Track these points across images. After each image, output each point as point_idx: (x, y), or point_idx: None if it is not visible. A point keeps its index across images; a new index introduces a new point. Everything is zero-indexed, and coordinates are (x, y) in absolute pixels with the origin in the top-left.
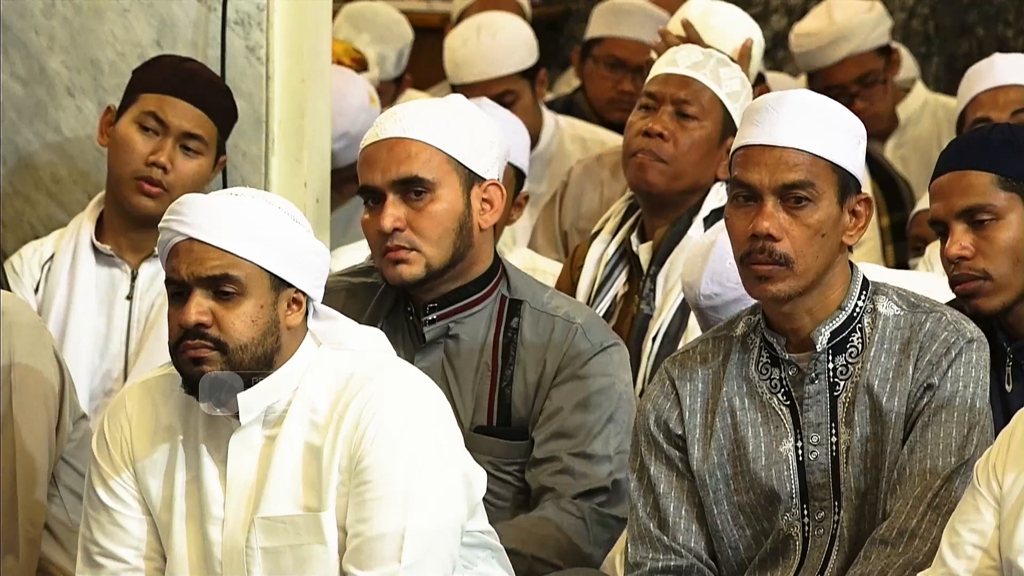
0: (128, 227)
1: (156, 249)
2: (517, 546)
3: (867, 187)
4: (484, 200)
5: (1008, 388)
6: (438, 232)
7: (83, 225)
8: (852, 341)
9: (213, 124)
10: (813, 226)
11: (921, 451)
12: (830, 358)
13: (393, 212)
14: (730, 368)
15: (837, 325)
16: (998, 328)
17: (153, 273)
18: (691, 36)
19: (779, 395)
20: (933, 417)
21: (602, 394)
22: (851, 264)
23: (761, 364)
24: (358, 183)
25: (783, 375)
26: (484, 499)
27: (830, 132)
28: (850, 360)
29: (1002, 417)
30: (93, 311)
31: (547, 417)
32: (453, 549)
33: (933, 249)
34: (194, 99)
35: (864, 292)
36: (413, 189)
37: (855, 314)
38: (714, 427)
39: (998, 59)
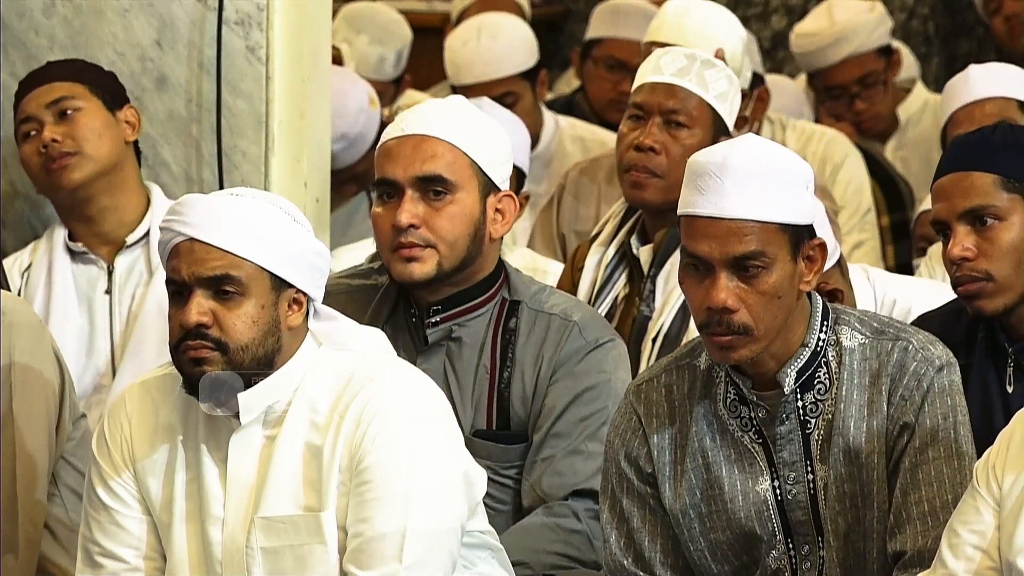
0: (85, 220)
1: (127, 240)
2: (525, 558)
3: (867, 181)
4: (498, 210)
5: (1009, 389)
6: (455, 234)
7: (56, 230)
8: (819, 376)
9: (75, 83)
10: (769, 292)
11: (915, 493)
12: (798, 396)
13: (411, 208)
14: (697, 406)
15: (802, 363)
16: (999, 329)
17: (129, 265)
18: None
19: (750, 433)
20: (920, 456)
21: (598, 391)
22: (809, 296)
23: (729, 401)
24: (358, 184)
25: (752, 414)
26: (484, 503)
27: (776, 193)
28: (819, 397)
29: (1003, 419)
30: (74, 310)
31: (544, 416)
32: (453, 549)
33: (935, 250)
34: (42, 81)
35: (825, 323)
36: (434, 188)
37: (819, 349)
38: (684, 465)
39: (972, 72)
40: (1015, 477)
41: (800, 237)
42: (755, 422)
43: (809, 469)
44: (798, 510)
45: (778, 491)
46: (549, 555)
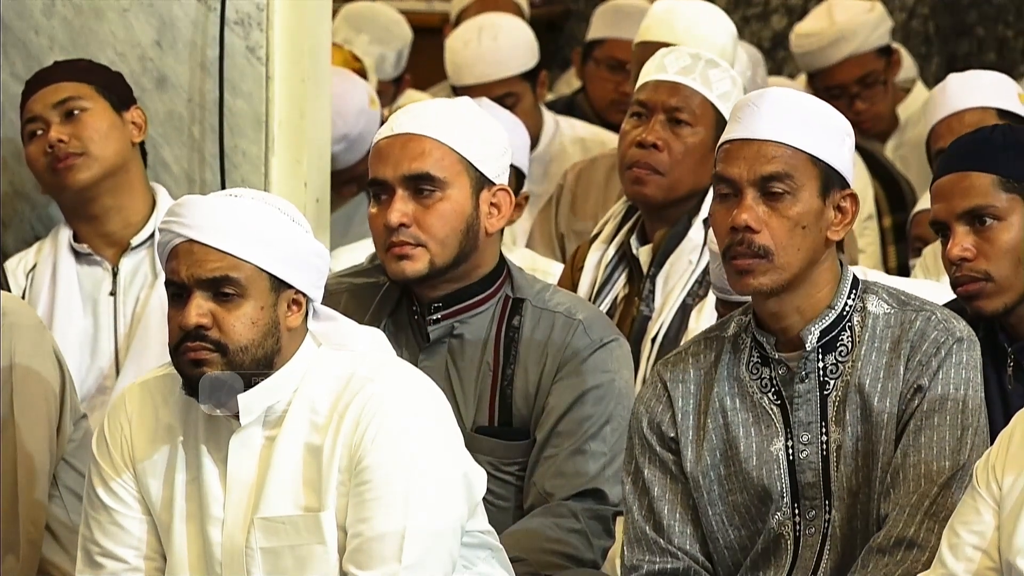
0: (90, 221)
1: (132, 241)
2: (524, 555)
3: (869, 187)
4: (492, 204)
5: (1009, 389)
6: (445, 230)
7: (61, 231)
8: (842, 340)
9: (82, 83)
10: (792, 218)
11: (915, 455)
12: (819, 357)
13: (401, 207)
14: (721, 368)
15: (827, 324)
16: (999, 329)
17: (133, 267)
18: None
19: (769, 394)
20: (925, 420)
21: (602, 390)
22: (840, 263)
23: (752, 364)
24: (358, 184)
25: (773, 374)
26: (484, 499)
27: (811, 126)
28: (840, 359)
29: (1003, 418)
30: (78, 311)
31: (548, 415)
32: (453, 549)
33: (930, 250)
34: (48, 81)
35: (854, 291)
36: (423, 186)
37: (845, 313)
38: (706, 428)
39: (951, 82)
40: (1015, 477)
41: (831, 179)
42: (775, 382)
43: (824, 430)
44: (808, 471)
45: (790, 451)
46: (548, 555)
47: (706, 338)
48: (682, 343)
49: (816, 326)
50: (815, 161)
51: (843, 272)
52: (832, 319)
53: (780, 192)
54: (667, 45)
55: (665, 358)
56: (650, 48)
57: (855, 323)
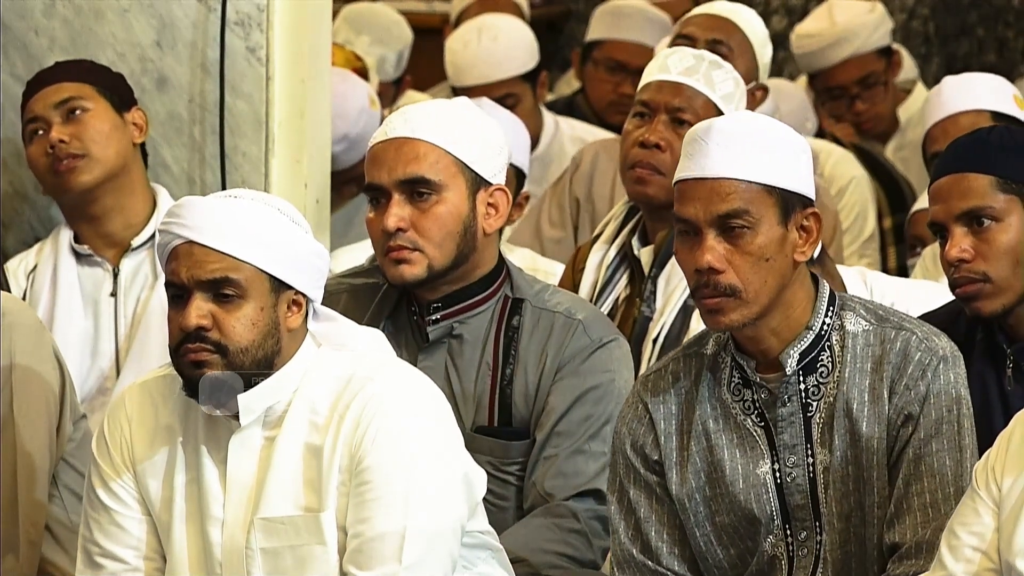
0: (91, 221)
1: (133, 242)
2: (524, 555)
3: (872, 212)
4: (490, 204)
5: (1008, 390)
6: (441, 234)
7: (62, 232)
8: (822, 360)
9: (84, 84)
10: (755, 252)
11: (917, 484)
12: (800, 379)
13: (397, 212)
14: (702, 389)
15: (805, 346)
16: (998, 330)
17: (134, 268)
18: None
19: (753, 416)
20: (924, 448)
21: (601, 390)
22: (815, 279)
23: (733, 385)
24: (358, 185)
25: (755, 397)
26: (485, 500)
27: (761, 154)
28: (821, 380)
29: (1002, 419)
30: (79, 312)
31: (547, 415)
32: (453, 549)
33: (929, 251)
34: (50, 81)
35: (831, 308)
36: (418, 190)
37: (823, 333)
38: (690, 450)
39: (947, 85)
40: (1014, 478)
41: (790, 203)
42: (758, 405)
43: (809, 453)
44: (797, 494)
45: (777, 474)
46: (548, 555)
47: (685, 355)
48: (661, 359)
49: (795, 348)
50: (771, 190)
51: (818, 289)
52: (810, 340)
53: (739, 228)
54: (716, 18)
55: (645, 376)
56: (695, 21)
57: (834, 342)
